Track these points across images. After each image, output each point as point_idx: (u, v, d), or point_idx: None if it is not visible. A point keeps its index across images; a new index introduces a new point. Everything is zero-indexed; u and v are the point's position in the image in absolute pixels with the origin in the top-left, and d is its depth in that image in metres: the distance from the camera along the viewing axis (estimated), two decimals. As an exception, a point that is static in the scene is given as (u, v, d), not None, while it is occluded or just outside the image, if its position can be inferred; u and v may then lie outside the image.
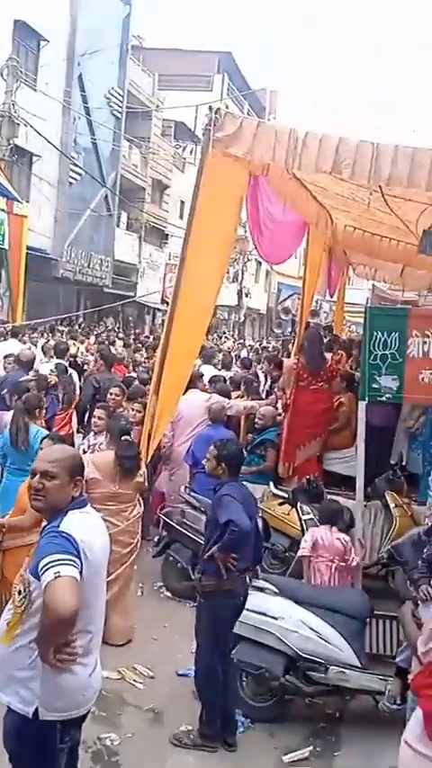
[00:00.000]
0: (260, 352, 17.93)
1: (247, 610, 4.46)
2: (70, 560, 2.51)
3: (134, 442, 5.58)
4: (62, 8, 21.83)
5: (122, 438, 5.55)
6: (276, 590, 4.73)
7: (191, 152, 31.94)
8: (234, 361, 13.16)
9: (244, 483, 4.78)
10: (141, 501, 5.69)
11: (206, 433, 6.98)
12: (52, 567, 2.47)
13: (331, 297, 13.62)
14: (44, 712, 2.66)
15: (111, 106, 25.41)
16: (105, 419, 6.37)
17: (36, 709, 2.66)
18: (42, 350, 11.73)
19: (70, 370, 9.48)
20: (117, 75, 26.00)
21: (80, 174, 22.86)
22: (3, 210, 16.18)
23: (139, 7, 29.71)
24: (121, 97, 25.82)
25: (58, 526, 2.66)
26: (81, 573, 2.55)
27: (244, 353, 17.80)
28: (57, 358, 9.95)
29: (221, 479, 4.47)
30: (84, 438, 7.25)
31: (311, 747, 4.40)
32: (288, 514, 6.24)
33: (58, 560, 2.49)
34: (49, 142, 17.94)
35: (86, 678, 2.77)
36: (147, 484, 5.94)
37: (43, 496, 2.76)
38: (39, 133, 17.02)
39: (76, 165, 22.57)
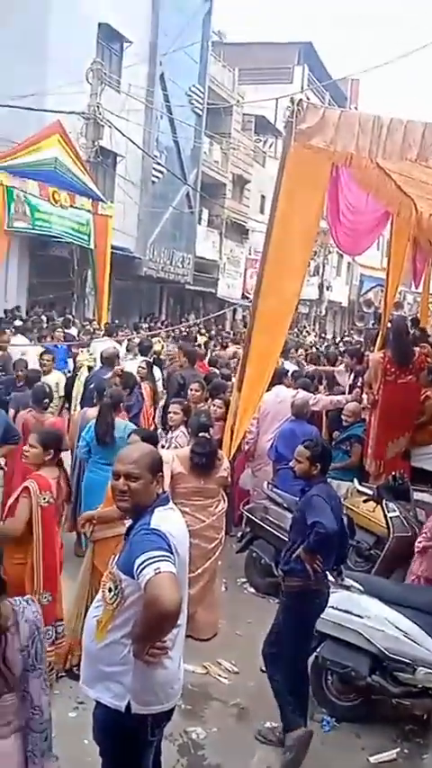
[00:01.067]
0: (341, 345, 17.69)
1: (332, 607, 4.40)
2: (167, 556, 2.52)
3: (211, 439, 5.56)
4: (144, 9, 22.13)
5: (200, 434, 5.55)
6: (362, 588, 4.64)
7: (271, 146, 31.80)
8: (319, 356, 13.00)
9: (330, 481, 4.70)
10: (225, 496, 5.69)
11: (288, 427, 6.92)
12: (151, 563, 2.48)
13: (416, 288, 13.28)
14: (136, 707, 2.69)
15: (192, 104, 25.58)
16: (180, 414, 6.40)
17: (128, 704, 2.69)
18: (126, 347, 11.93)
19: (154, 368, 9.61)
20: (198, 72, 26.14)
21: (162, 173, 23.14)
22: (88, 211, 16.62)
23: (219, 2, 29.72)
24: (202, 94, 25.96)
25: (149, 524, 2.67)
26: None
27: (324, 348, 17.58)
28: (141, 355, 10.10)
29: (312, 479, 4.41)
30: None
31: (399, 749, 4.31)
32: (373, 512, 6.13)
33: (156, 557, 2.50)
34: (132, 142, 18.26)
35: (175, 671, 2.81)
36: (230, 480, 5.94)
37: (129, 497, 2.78)
38: (123, 134, 17.34)
39: (159, 164, 22.86)
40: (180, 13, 23.73)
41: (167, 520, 2.73)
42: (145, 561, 2.50)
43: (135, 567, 2.53)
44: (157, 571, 2.46)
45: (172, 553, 2.57)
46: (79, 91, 16.22)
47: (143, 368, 8.94)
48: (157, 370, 9.78)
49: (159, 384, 9.59)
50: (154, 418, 8.78)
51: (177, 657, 2.83)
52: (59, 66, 17.21)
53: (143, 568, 2.49)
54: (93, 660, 2.80)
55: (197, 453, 5.36)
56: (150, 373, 9.00)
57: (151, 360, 9.99)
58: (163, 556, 2.51)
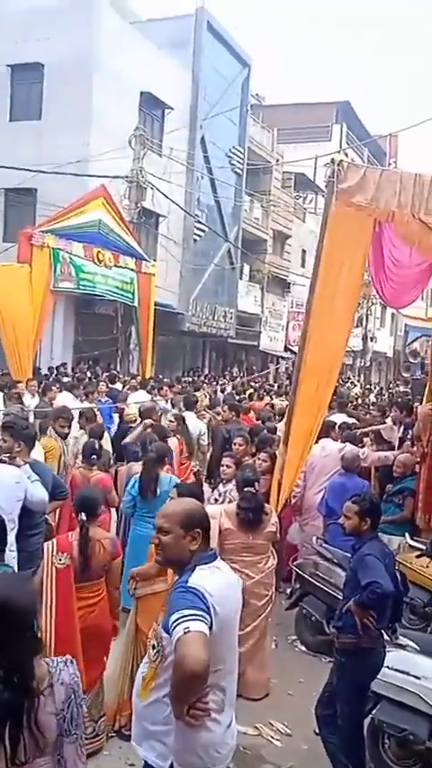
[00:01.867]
0: (386, 396, 17.55)
1: (387, 667, 4.28)
2: (199, 615, 2.50)
3: (256, 494, 5.51)
4: (184, 76, 23.09)
5: (246, 489, 5.53)
6: (418, 647, 4.51)
7: (311, 201, 32.35)
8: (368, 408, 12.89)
9: (380, 536, 4.63)
10: (275, 552, 5.63)
11: (339, 481, 6.86)
12: (182, 622, 2.48)
13: (463, 338, 13.18)
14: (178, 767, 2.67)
15: (232, 164, 26.33)
16: (233, 467, 6.39)
17: (171, 765, 2.67)
18: (172, 402, 12.02)
19: (196, 421, 9.63)
20: (237, 134, 26.97)
21: (204, 231, 23.69)
22: (132, 270, 17.04)
23: (258, 66, 30.80)
24: (242, 155, 26.69)
25: (187, 582, 2.67)
26: (211, 628, 2.54)
27: (372, 399, 17.45)
28: (186, 410, 10.15)
29: (363, 536, 4.36)
30: (214, 489, 7.32)
31: None
32: (427, 567, 5.99)
33: (187, 616, 2.49)
34: (174, 203, 18.81)
35: (221, 735, 2.74)
36: (278, 535, 5.89)
37: (161, 550, 2.81)
38: (165, 196, 17.89)
39: (200, 223, 23.42)
40: (219, 78, 24.66)
41: (207, 578, 2.70)
42: (177, 620, 2.49)
43: (170, 625, 2.53)
44: (186, 630, 2.44)
45: (208, 612, 2.55)
46: (123, 156, 16.88)
47: (172, 421, 8.99)
48: (200, 423, 9.80)
49: (205, 437, 9.60)
50: (194, 473, 8.74)
51: (226, 721, 2.77)
52: (104, 133, 18.07)
53: (175, 627, 2.49)
54: (139, 718, 2.79)
55: (243, 508, 5.33)
56: (183, 426, 9.01)
57: (195, 414, 9.99)
58: (195, 615, 2.50)
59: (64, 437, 7.27)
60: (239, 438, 7.45)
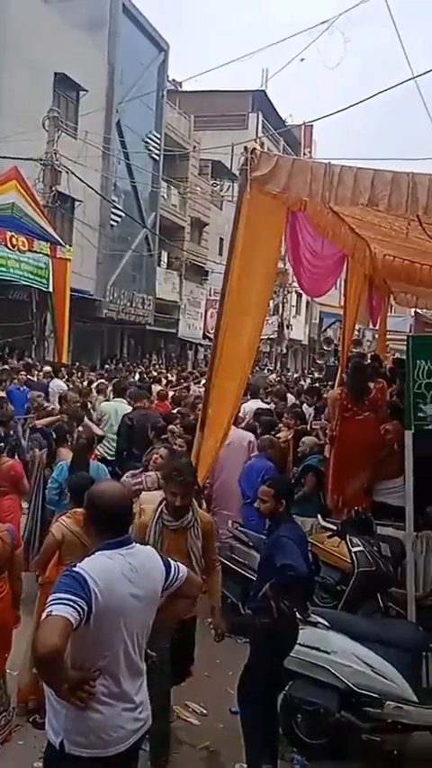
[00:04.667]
0: (298, 384, 17.94)
1: (300, 645, 4.41)
2: (67, 600, 2.51)
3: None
4: (100, 58, 22.68)
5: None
6: (328, 624, 4.67)
7: (228, 189, 32.50)
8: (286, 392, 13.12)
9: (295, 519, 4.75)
10: None
11: (249, 463, 7.05)
12: (49, 605, 2.51)
13: (374, 326, 13.61)
14: (69, 746, 2.71)
15: (149, 149, 26.11)
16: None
17: (62, 741, 2.72)
18: (97, 388, 11.91)
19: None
20: (154, 120, 26.75)
21: (120, 217, 23.43)
22: (47, 255, 16.71)
23: (175, 52, 30.58)
24: (159, 140, 26.50)
25: (75, 565, 2.70)
26: (90, 613, 2.56)
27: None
28: (116, 396, 10.08)
29: (278, 518, 4.45)
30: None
31: (370, 787, 4.30)
32: (338, 547, 6.17)
33: (55, 600, 2.52)
34: (90, 187, 18.52)
35: (114, 718, 2.75)
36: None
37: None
38: (80, 179, 17.59)
39: (117, 208, 23.15)
40: (135, 62, 24.38)
41: (98, 563, 2.72)
42: (48, 602, 2.54)
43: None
44: (48, 614, 2.48)
45: (85, 597, 2.56)
46: (36, 138, 16.46)
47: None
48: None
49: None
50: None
51: (121, 705, 2.78)
52: (15, 114, 17.51)
53: (45, 609, 2.53)
54: (47, 695, 2.82)
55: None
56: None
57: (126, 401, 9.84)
58: (62, 599, 2.51)
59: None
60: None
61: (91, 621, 2.58)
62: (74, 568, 2.68)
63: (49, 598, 2.56)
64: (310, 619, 4.64)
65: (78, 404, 9.02)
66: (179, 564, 3.11)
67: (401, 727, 4.40)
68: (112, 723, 2.76)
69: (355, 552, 5.58)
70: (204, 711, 5.01)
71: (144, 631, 2.91)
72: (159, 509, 4.32)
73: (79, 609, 2.52)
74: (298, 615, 4.44)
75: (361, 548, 5.61)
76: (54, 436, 6.80)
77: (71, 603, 2.51)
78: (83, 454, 5.92)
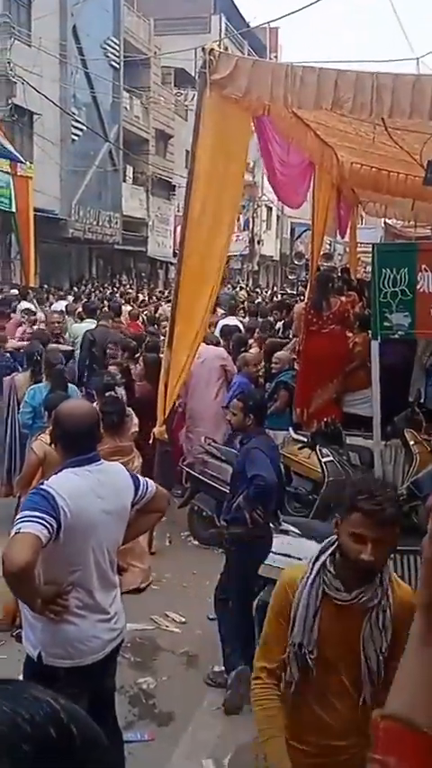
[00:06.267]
0: (273, 300, 17.85)
1: (273, 552, 4.53)
2: (36, 517, 2.54)
3: (118, 398, 5.76)
4: (50, -43, 21.21)
5: (107, 394, 5.67)
6: (299, 531, 4.78)
7: (192, 99, 31.25)
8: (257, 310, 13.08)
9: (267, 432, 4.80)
10: (139, 453, 5.80)
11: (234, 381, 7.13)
12: (18, 522, 2.55)
13: (342, 237, 13.45)
14: (46, 657, 2.80)
15: (108, 57, 24.86)
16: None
17: (40, 654, 2.81)
18: (66, 310, 11.75)
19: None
20: (112, 24, 25.35)
21: (82, 130, 22.52)
22: (7, 173, 16.09)
23: None
24: (118, 46, 25.21)
25: (42, 483, 2.75)
26: (59, 530, 2.59)
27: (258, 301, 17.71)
28: (88, 318, 10.00)
29: (249, 431, 4.48)
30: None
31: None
32: (309, 458, 6.27)
33: (24, 517, 2.55)
34: (47, 99, 17.67)
35: (88, 629, 2.84)
36: (167, 437, 5.99)
37: None
38: (37, 90, 16.79)
39: (78, 121, 22.22)
40: (89, -40, 22.85)
41: (66, 480, 2.75)
42: (17, 519, 2.58)
43: None
44: (17, 531, 2.51)
45: (53, 514, 2.59)
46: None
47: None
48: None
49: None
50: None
51: (95, 617, 2.86)
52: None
53: (14, 526, 2.56)
54: (23, 609, 2.92)
55: (108, 413, 5.37)
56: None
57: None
58: (31, 516, 2.54)
59: None
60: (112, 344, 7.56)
61: (61, 537, 2.62)
62: (42, 486, 2.71)
63: (18, 516, 2.60)
64: (282, 527, 4.75)
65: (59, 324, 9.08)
66: (147, 480, 3.15)
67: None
68: (87, 634, 2.85)
69: (325, 462, 5.68)
70: (183, 620, 5.19)
71: (114, 545, 2.97)
72: None
73: (48, 526, 2.55)
74: (270, 524, 4.55)
75: (331, 458, 5.71)
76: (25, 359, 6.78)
77: (39, 521, 2.54)
78: (60, 377, 5.92)
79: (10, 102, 16.42)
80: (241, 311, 12.88)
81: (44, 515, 2.56)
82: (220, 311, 10.72)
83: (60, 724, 0.66)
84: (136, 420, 5.75)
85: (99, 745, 0.69)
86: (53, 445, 3.02)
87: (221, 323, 9.61)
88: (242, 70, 4.73)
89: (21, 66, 16.48)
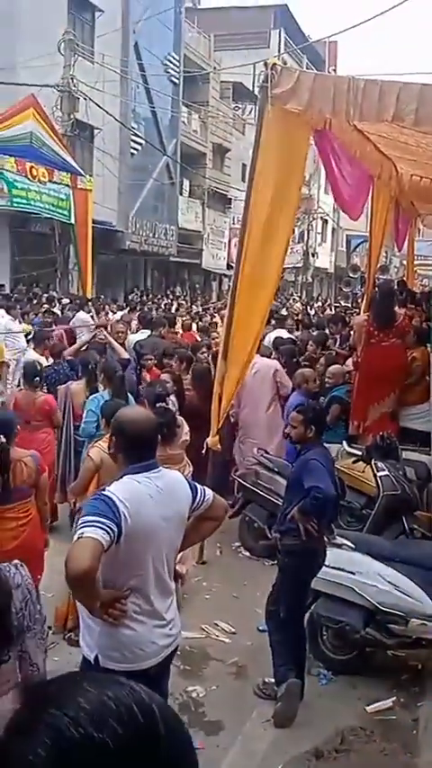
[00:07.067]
0: (325, 312, 17.75)
1: (326, 566, 4.50)
2: (98, 522, 2.57)
3: (168, 408, 5.68)
4: (115, -24, 21.72)
5: (157, 405, 5.60)
6: (353, 545, 4.75)
7: (250, 113, 31.46)
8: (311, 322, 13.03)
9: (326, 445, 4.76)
10: (190, 462, 5.77)
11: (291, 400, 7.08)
12: (80, 527, 2.58)
13: (399, 250, 13.31)
14: (103, 660, 2.82)
15: (168, 72, 25.23)
16: (171, 383, 6.57)
17: (96, 656, 2.83)
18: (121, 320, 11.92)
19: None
20: (172, 40, 25.76)
21: (141, 144, 22.88)
22: (67, 186, 16.43)
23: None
24: (178, 62, 25.58)
25: (104, 489, 2.77)
26: (120, 535, 2.61)
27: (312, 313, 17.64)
28: (143, 328, 10.10)
29: (308, 443, 4.47)
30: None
31: (394, 698, 4.44)
32: (363, 472, 6.22)
33: (86, 522, 2.58)
34: (108, 114, 18.01)
35: (145, 634, 2.86)
36: (220, 447, 6.01)
37: None
38: (99, 106, 17.12)
39: (137, 136, 22.59)
40: (151, -21, 23.30)
41: (126, 486, 2.78)
42: (79, 525, 2.61)
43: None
44: (80, 536, 2.54)
45: (115, 519, 2.61)
46: (52, 63, 15.96)
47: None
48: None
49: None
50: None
51: (152, 622, 2.88)
52: (30, 37, 16.92)
53: (76, 531, 2.60)
54: (80, 610, 2.94)
55: (159, 424, 5.40)
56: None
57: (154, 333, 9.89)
58: (93, 521, 2.56)
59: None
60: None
61: (121, 542, 2.64)
62: (103, 491, 2.75)
63: (80, 521, 2.63)
64: (335, 541, 4.72)
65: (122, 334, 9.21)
66: (205, 488, 3.17)
67: (425, 643, 4.52)
68: (144, 639, 2.87)
69: (380, 476, 5.63)
70: (233, 630, 5.19)
71: (173, 552, 3.00)
72: None
73: (109, 531, 2.57)
74: (325, 537, 4.52)
75: (386, 472, 5.65)
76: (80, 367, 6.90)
77: (101, 525, 2.56)
78: (121, 385, 6.01)
79: (72, 117, 16.77)
80: (292, 323, 12.85)
81: (106, 520, 2.59)
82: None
83: (143, 704, 0.69)
84: (187, 428, 5.76)
85: (182, 732, 0.73)
86: (112, 452, 3.05)
87: (271, 335, 9.60)
88: (304, 84, 4.75)
89: (83, 83, 16.84)
